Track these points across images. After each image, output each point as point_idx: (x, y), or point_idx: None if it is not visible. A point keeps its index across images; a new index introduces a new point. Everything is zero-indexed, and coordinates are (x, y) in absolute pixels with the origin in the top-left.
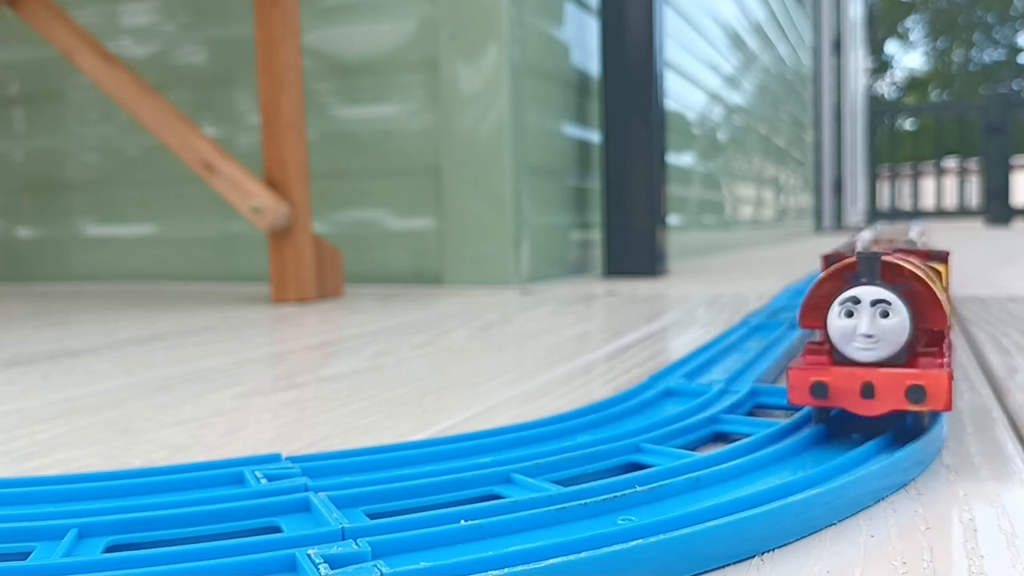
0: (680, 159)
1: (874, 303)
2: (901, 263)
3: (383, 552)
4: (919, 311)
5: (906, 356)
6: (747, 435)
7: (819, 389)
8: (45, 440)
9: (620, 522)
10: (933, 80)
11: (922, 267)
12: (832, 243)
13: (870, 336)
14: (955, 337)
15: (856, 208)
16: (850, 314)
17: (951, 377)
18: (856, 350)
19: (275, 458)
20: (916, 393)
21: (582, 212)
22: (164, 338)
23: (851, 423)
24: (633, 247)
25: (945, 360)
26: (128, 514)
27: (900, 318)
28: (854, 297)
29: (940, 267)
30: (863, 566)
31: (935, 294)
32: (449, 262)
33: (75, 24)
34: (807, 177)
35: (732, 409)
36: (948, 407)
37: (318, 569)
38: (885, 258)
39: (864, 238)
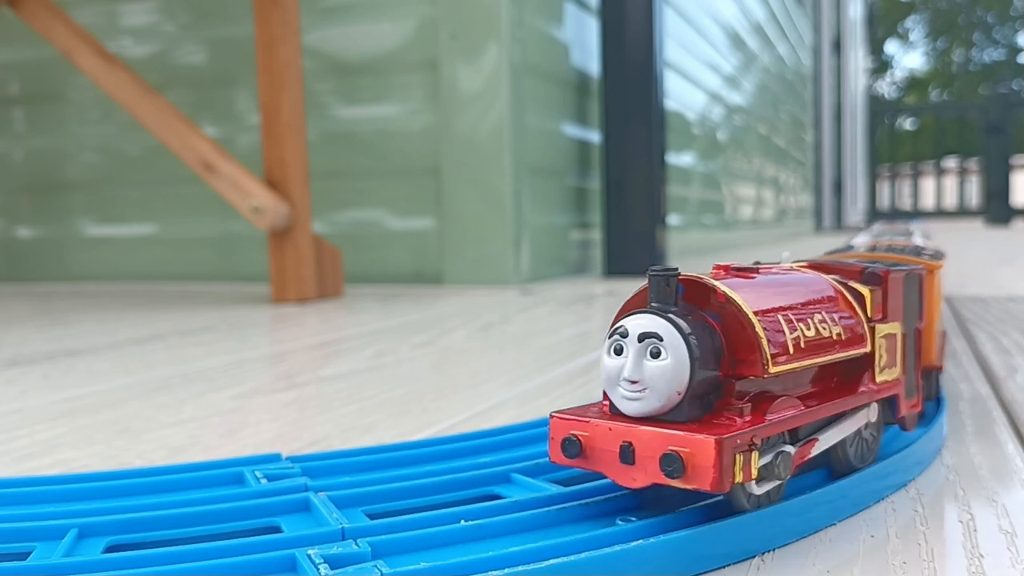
0: (680, 159)
1: (642, 338)
2: (717, 285)
3: (383, 552)
4: (733, 349)
5: (701, 411)
6: None
7: (570, 446)
8: (45, 440)
9: (620, 522)
10: (933, 80)
11: (779, 288)
12: (832, 243)
13: (634, 381)
14: (951, 347)
15: (856, 208)
16: (620, 350)
17: (719, 446)
18: (620, 398)
19: (275, 458)
20: (672, 463)
21: (582, 212)
22: (164, 338)
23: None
24: (633, 247)
25: (749, 419)
26: (128, 514)
27: (673, 359)
28: (622, 329)
29: (865, 291)
30: (863, 566)
31: (753, 327)
32: (449, 262)
33: (75, 24)
34: (807, 177)
35: None
36: (716, 487)
37: (318, 569)
38: (692, 276)
39: (859, 242)
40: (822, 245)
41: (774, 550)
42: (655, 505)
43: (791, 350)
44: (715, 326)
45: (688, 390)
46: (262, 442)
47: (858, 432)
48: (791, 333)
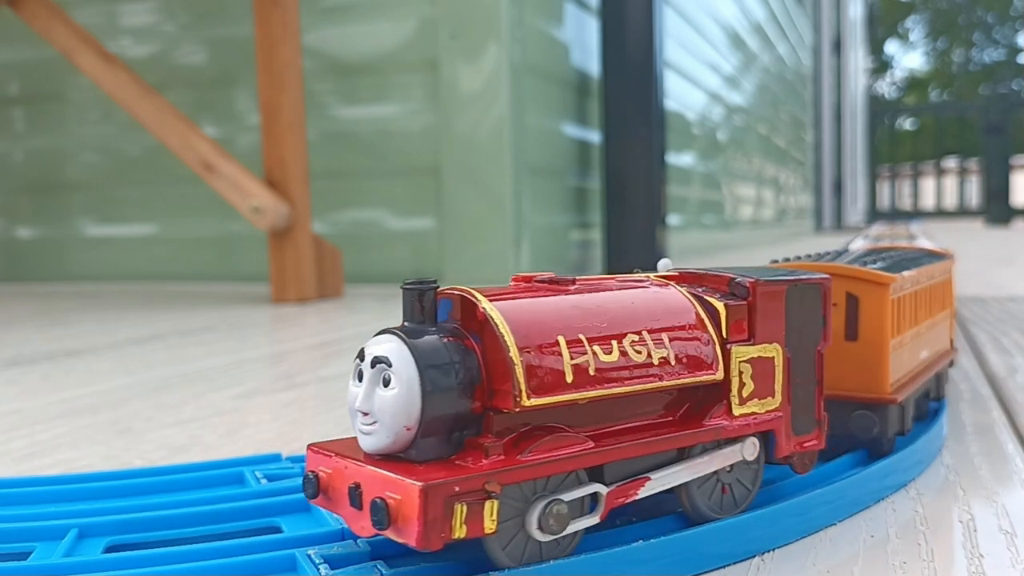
0: (680, 159)
1: (374, 363)
2: (479, 301)
3: (383, 552)
4: (492, 377)
5: (450, 448)
6: None
7: (308, 485)
8: (45, 440)
9: (620, 522)
10: (933, 80)
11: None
12: (832, 243)
13: (365, 413)
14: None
15: (856, 208)
16: (363, 376)
17: (424, 495)
18: (358, 431)
19: (275, 458)
20: (377, 512)
21: (582, 212)
22: (164, 338)
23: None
24: (633, 247)
25: (499, 459)
26: (128, 514)
27: (401, 389)
28: (362, 351)
29: (720, 306)
30: (863, 566)
31: (505, 353)
32: (449, 262)
33: (75, 24)
34: (807, 177)
35: None
36: (421, 544)
37: (318, 569)
38: (460, 290)
39: (857, 246)
40: (821, 245)
41: (774, 550)
42: (654, 506)
43: (569, 379)
44: (477, 350)
45: (420, 425)
46: (262, 442)
47: (715, 475)
48: (574, 359)
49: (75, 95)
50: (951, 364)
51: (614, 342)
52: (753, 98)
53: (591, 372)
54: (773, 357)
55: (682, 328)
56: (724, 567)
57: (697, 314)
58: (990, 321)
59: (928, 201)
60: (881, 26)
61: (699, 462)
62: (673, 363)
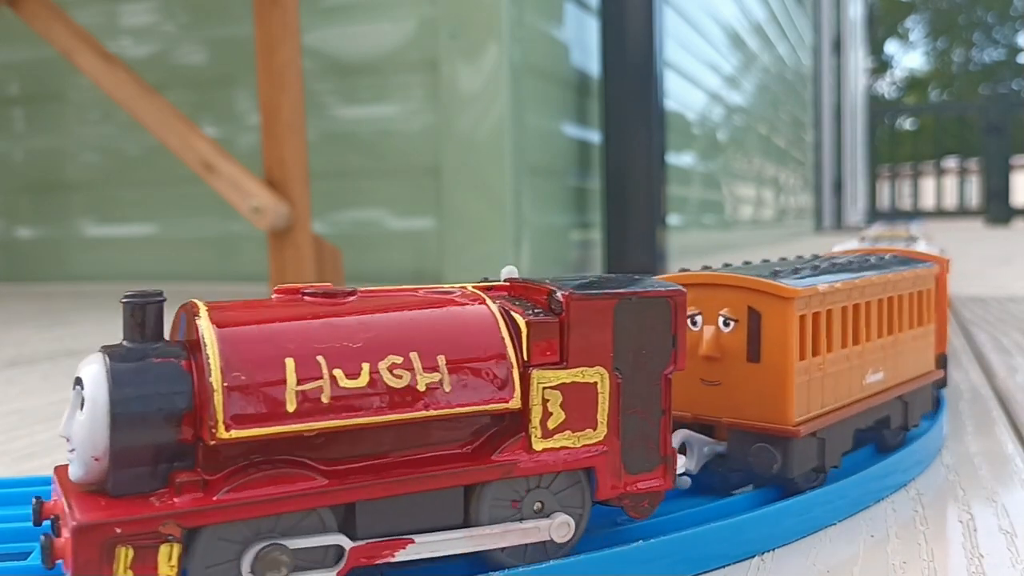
0: (680, 159)
1: (76, 384)
2: (199, 317)
3: None
4: (203, 404)
5: (154, 483)
6: None
7: (34, 510)
8: (45, 440)
9: (619, 522)
10: (933, 80)
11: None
12: (832, 243)
13: (67, 439)
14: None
15: (856, 208)
16: None
17: (77, 535)
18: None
19: None
20: (42, 549)
21: (582, 212)
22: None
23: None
24: (633, 247)
25: (196, 497)
26: None
27: (90, 415)
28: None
29: (522, 323)
30: (862, 566)
31: (208, 383)
32: (449, 262)
33: (75, 24)
34: (807, 177)
35: None
36: None
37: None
38: (191, 305)
39: (839, 250)
40: (821, 245)
41: (774, 550)
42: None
43: (290, 407)
44: (194, 373)
45: (110, 455)
46: None
47: (520, 518)
48: (302, 384)
49: (75, 95)
50: (943, 385)
51: (366, 365)
52: (753, 98)
53: (324, 400)
54: (595, 383)
55: (469, 350)
56: (724, 567)
57: (497, 333)
58: (990, 321)
59: (928, 201)
60: (881, 26)
61: (486, 533)
62: (448, 389)
